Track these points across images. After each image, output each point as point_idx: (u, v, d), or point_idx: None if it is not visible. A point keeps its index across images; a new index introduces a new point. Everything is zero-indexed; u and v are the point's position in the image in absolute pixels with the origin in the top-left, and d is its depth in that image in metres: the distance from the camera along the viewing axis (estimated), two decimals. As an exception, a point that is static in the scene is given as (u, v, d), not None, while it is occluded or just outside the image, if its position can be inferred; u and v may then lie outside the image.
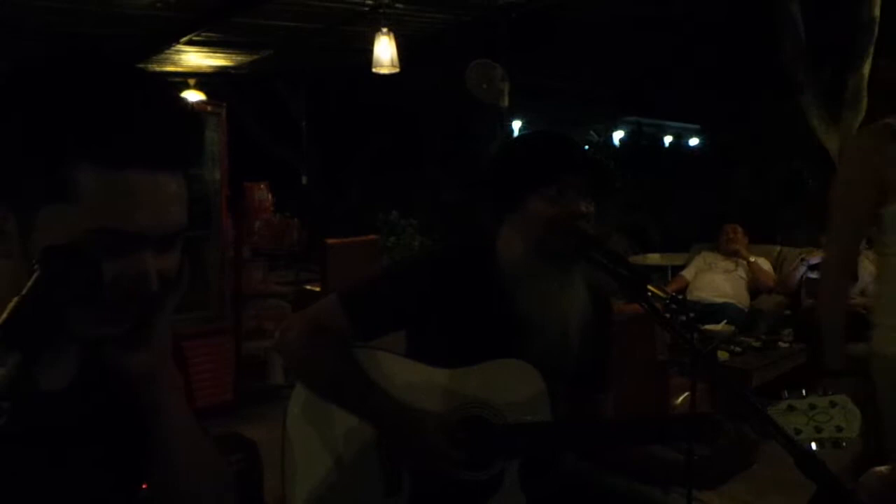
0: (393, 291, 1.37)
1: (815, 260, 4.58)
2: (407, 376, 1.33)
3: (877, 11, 5.09)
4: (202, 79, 7.51)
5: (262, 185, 4.14)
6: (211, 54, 6.75)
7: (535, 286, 1.30)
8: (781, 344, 3.99)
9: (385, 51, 5.03)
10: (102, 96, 0.65)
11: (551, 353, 1.29)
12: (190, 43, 6.14)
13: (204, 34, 5.84)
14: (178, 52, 6.41)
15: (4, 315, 0.53)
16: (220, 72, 7.44)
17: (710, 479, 1.17)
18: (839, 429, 1.07)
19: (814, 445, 1.06)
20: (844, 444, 1.06)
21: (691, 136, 11.83)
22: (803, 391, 1.10)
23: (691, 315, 1.09)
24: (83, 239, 0.64)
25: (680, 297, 1.20)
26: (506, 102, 6.13)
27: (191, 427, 0.80)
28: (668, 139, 12.00)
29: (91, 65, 0.66)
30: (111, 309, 0.66)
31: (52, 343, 0.53)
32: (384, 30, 5.05)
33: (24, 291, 0.56)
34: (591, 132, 10.16)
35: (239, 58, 6.95)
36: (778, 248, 5.21)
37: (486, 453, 1.26)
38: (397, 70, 5.11)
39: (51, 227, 0.65)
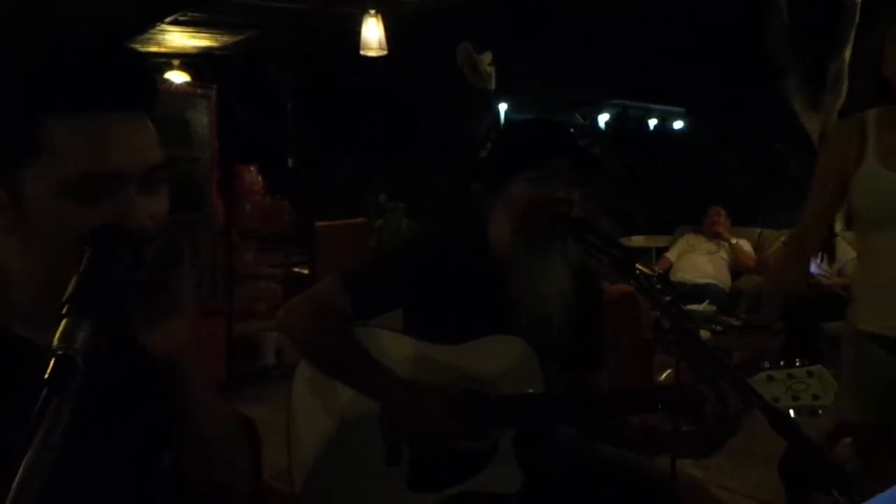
0: (392, 272, 1.42)
1: None
2: (405, 352, 1.39)
3: (858, -3, 5.17)
4: (186, 59, 7.43)
5: (251, 168, 4.14)
6: (195, 34, 6.68)
7: (519, 266, 1.35)
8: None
9: (373, 32, 5.02)
10: (58, 53, 0.72)
11: (537, 331, 1.35)
12: (175, 23, 6.07)
13: (189, 14, 5.79)
14: (163, 31, 6.33)
15: (69, 290, 0.58)
16: (204, 52, 7.37)
17: (698, 449, 1.24)
18: (815, 397, 1.14)
19: (792, 413, 1.13)
20: (821, 411, 1.14)
21: (675, 119, 11.92)
22: (781, 362, 1.17)
23: (670, 297, 1.15)
24: (68, 185, 0.69)
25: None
26: (492, 86, 6.15)
27: (215, 401, 0.85)
28: (652, 122, 12.08)
29: (42, 31, 0.74)
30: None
31: (112, 313, 0.58)
32: (372, 11, 5.03)
33: (80, 268, 0.61)
34: (577, 115, 10.21)
35: (224, 38, 6.88)
36: (759, 230, 5.32)
37: (482, 424, 1.32)
38: (385, 52, 5.10)
39: (36, 186, 0.71)
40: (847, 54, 5.29)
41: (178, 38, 6.67)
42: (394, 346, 1.39)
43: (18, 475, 0.46)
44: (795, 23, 5.51)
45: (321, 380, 1.40)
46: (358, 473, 1.38)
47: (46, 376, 0.51)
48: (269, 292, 4.24)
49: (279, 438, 1.48)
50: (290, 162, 9.01)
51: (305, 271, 5.25)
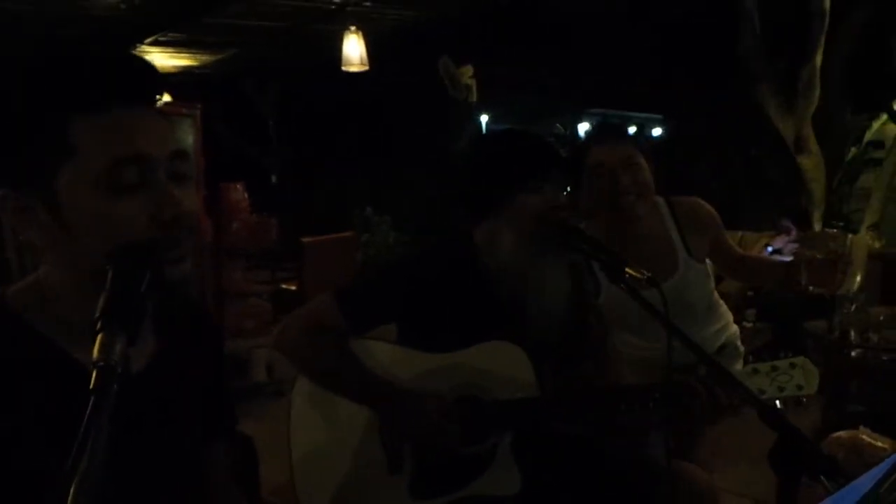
0: (383, 288, 1.45)
1: (777, 244, 4.81)
2: (400, 363, 1.41)
3: (826, 3, 5.30)
4: (167, 79, 7.44)
5: (237, 186, 4.17)
6: (175, 54, 6.70)
7: (522, 274, 1.39)
8: (745, 324, 4.18)
9: (354, 49, 5.07)
10: (70, 61, 0.78)
11: (539, 334, 1.39)
12: (155, 43, 6.09)
13: (169, 34, 5.81)
14: (143, 52, 6.35)
15: (100, 306, 0.62)
16: (185, 71, 7.39)
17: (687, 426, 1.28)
18: (800, 387, 1.19)
19: (778, 403, 1.18)
20: (804, 400, 1.19)
21: (654, 126, 12.07)
22: (764, 356, 1.22)
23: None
24: (101, 177, 0.73)
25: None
26: (474, 98, 6.23)
27: None
28: (632, 130, 12.21)
29: (53, 46, 0.79)
30: (165, 246, 0.75)
31: (141, 328, 0.61)
32: (352, 28, 5.09)
33: (107, 286, 0.64)
34: (557, 125, 10.31)
35: (204, 57, 6.91)
36: (739, 233, 5.41)
37: (480, 429, 1.35)
38: (366, 68, 5.15)
39: (72, 188, 0.74)
40: (818, 60, 5.42)
41: (158, 58, 6.68)
42: (388, 357, 1.42)
43: (74, 481, 0.49)
44: (767, 29, 5.64)
45: (320, 394, 1.42)
46: (360, 484, 1.39)
47: (91, 387, 0.55)
48: (258, 309, 4.25)
49: (273, 455, 1.50)
50: (273, 178, 9.02)
51: (293, 287, 5.26)
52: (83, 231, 0.75)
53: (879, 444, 2.24)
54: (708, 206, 1.85)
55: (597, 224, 1.74)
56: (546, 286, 1.38)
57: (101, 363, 0.57)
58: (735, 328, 1.89)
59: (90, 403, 0.54)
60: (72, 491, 0.48)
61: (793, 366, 1.19)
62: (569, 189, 1.43)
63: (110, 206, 0.74)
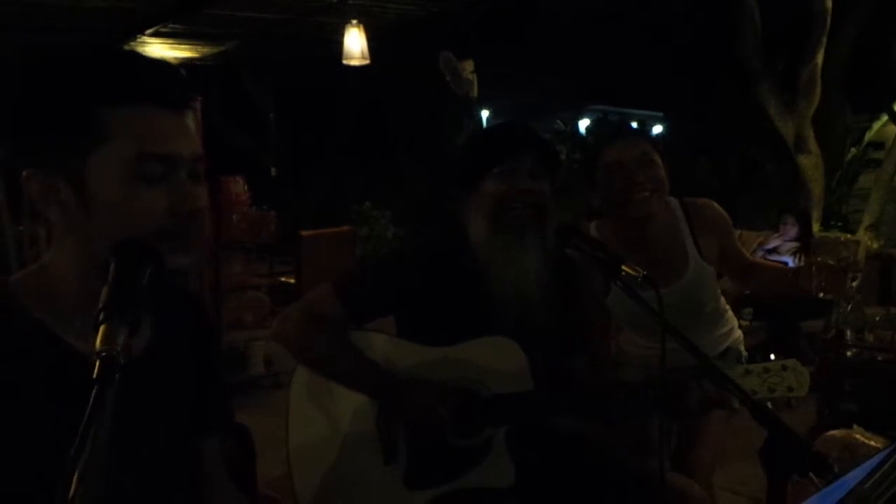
0: (381, 280, 1.47)
1: (773, 244, 4.81)
2: (398, 355, 1.43)
3: (829, 3, 5.29)
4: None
5: (238, 179, 4.17)
6: (176, 46, 6.68)
7: (498, 262, 1.40)
8: (742, 322, 4.19)
9: (355, 43, 5.06)
10: (111, 58, 0.84)
11: (522, 320, 1.39)
12: (155, 34, 6.08)
13: (170, 25, 5.80)
14: (143, 43, 6.33)
15: (102, 299, 0.63)
16: (185, 63, 7.37)
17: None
18: (790, 389, 1.21)
19: (769, 405, 1.19)
20: (794, 402, 1.20)
21: (655, 124, 12.06)
22: (758, 359, 1.23)
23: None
24: (131, 165, 0.77)
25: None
26: (475, 93, 6.22)
27: None
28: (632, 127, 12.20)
29: (90, 46, 0.81)
30: (177, 236, 0.79)
31: (142, 318, 0.62)
32: (354, 21, 5.07)
33: (109, 279, 0.66)
34: (558, 121, 10.31)
35: (204, 49, 6.90)
36: (738, 231, 5.42)
37: (474, 422, 1.36)
38: (368, 62, 5.14)
39: (102, 172, 0.78)
40: (819, 59, 5.42)
41: (158, 50, 6.66)
42: (386, 349, 1.43)
43: (77, 470, 0.50)
44: (767, 28, 5.64)
45: (318, 384, 1.44)
46: (356, 474, 1.41)
47: (95, 376, 0.56)
48: (256, 302, 4.26)
49: (270, 448, 1.51)
50: (273, 171, 9.01)
51: (291, 280, 5.26)
52: (104, 214, 0.78)
53: (873, 443, 2.26)
54: (720, 209, 1.83)
55: (608, 223, 1.74)
56: (526, 274, 1.39)
57: (104, 353, 0.58)
58: (739, 333, 1.88)
59: (93, 393, 0.54)
60: (74, 479, 0.49)
61: (784, 368, 1.21)
62: (552, 177, 1.43)
63: (134, 193, 0.78)
